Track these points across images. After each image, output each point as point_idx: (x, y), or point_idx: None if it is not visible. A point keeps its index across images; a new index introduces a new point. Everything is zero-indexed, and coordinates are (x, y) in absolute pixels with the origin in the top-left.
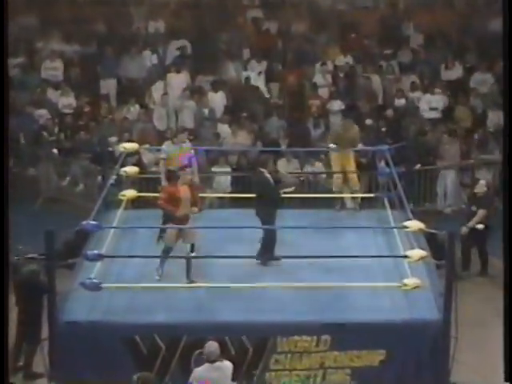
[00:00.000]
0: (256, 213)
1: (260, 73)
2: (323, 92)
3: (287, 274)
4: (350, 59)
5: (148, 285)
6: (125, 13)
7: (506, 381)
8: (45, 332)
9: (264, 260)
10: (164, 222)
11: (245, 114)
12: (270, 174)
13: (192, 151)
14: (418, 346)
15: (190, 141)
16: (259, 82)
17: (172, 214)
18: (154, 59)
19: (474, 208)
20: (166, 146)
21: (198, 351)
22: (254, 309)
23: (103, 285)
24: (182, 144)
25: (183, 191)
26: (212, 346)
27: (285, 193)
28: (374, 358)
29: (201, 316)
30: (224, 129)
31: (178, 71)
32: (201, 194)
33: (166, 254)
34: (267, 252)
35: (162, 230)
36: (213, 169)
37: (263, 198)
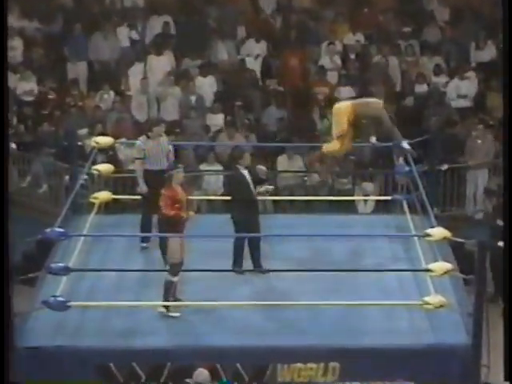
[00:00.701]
0: (231, 216)
1: (257, 56)
2: (331, 77)
3: (288, 290)
4: (361, 38)
5: (124, 303)
6: None
7: (505, 380)
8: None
9: (238, 269)
10: (143, 228)
11: (239, 103)
12: (247, 170)
13: (170, 147)
14: (442, 376)
15: (175, 134)
16: (256, 65)
17: (180, 223)
18: (132, 38)
19: (500, 222)
20: (142, 141)
21: (185, 380)
22: (249, 331)
23: (70, 303)
24: (159, 139)
25: (180, 192)
26: (202, 374)
27: (260, 193)
28: None
29: (187, 340)
30: (214, 120)
31: (160, 52)
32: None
33: (175, 273)
34: (240, 261)
35: (144, 239)
36: (201, 167)
37: (237, 198)
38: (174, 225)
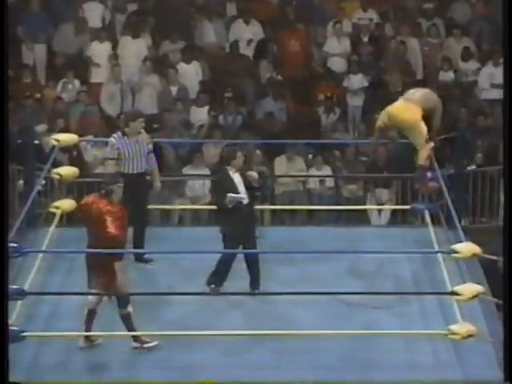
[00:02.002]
0: (220, 229)
1: (251, 40)
2: (338, 63)
3: (286, 316)
4: (374, 16)
5: (90, 333)
6: None
7: (505, 380)
8: None
9: (214, 288)
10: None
11: (228, 94)
12: (239, 173)
13: (151, 146)
14: None
15: (154, 131)
16: (249, 49)
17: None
18: (101, 16)
19: None
20: (116, 139)
21: None
22: (239, 365)
23: (26, 333)
24: (138, 136)
25: (123, 210)
26: None
27: (231, 203)
28: None
29: (165, 374)
30: (199, 114)
31: (136, 34)
32: (166, 206)
33: (128, 302)
34: (218, 279)
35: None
36: (184, 170)
37: (223, 208)
38: (117, 248)
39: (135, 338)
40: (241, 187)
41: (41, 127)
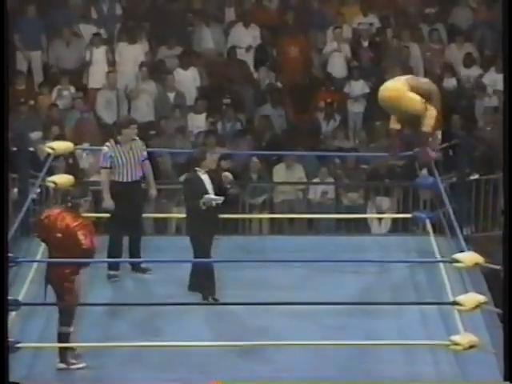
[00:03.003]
0: (186, 233)
1: (250, 47)
2: (338, 68)
3: (284, 326)
4: (375, 21)
5: (85, 344)
6: None
7: (505, 380)
8: None
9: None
10: (111, 252)
11: (227, 101)
12: (209, 175)
13: (145, 153)
14: None
15: (151, 138)
16: (248, 55)
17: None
18: (96, 22)
19: None
20: (109, 147)
21: None
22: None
23: (21, 344)
24: (131, 143)
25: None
26: None
27: (205, 204)
28: None
29: None
30: (197, 121)
31: (133, 40)
32: (165, 215)
33: (71, 321)
34: (208, 289)
35: (112, 265)
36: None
37: (191, 210)
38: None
39: (62, 359)
40: (210, 188)
41: (35, 134)
